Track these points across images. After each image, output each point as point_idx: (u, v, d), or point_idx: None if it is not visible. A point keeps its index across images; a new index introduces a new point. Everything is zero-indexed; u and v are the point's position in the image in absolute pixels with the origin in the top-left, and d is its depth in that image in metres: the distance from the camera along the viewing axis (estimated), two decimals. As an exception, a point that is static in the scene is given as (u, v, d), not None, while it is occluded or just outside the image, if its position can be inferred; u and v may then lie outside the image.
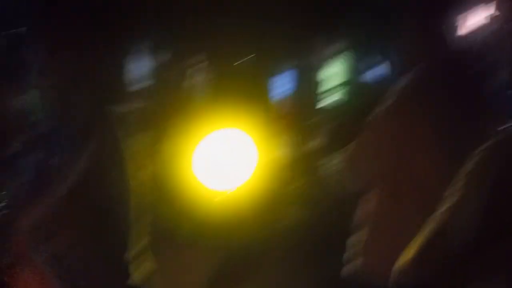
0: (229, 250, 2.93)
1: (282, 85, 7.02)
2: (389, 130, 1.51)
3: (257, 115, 2.60)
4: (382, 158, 1.56)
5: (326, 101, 6.38)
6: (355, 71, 6.49)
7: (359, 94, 6.11)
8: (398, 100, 1.52)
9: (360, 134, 1.60)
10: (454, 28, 1.68)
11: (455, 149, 1.46)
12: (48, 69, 1.13)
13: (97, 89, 1.13)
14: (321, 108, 6.30)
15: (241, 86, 2.63)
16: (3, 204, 2.70)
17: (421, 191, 1.55)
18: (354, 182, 1.70)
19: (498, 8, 1.18)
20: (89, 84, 1.12)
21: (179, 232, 3.28)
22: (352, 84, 6.31)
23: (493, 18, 1.46)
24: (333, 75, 6.49)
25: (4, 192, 2.84)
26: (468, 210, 1.06)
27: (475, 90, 1.24)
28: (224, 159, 2.42)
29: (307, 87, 6.42)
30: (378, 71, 6.40)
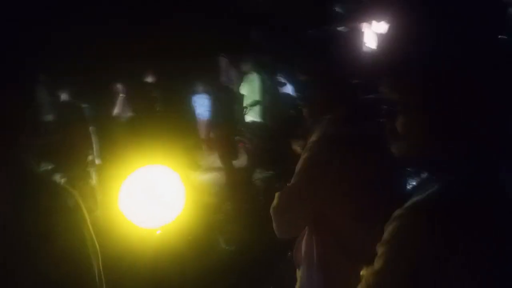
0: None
1: (198, 107, 7.12)
2: (313, 180, 1.52)
3: (180, 149, 2.59)
4: (311, 204, 1.58)
5: (242, 120, 6.59)
6: (266, 90, 6.80)
7: (272, 113, 6.41)
8: (314, 153, 1.53)
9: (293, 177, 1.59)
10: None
11: (372, 206, 1.44)
12: None
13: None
14: (238, 127, 6.50)
15: (164, 121, 2.62)
16: None
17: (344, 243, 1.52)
18: (285, 229, 1.67)
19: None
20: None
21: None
22: (264, 103, 6.61)
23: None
24: (245, 95, 6.74)
25: None
26: (391, 279, 0.97)
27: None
28: (151, 196, 2.24)
29: (222, 109, 6.58)
30: (287, 90, 6.76)
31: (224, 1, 8.39)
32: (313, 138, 1.58)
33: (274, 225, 1.57)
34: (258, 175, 5.51)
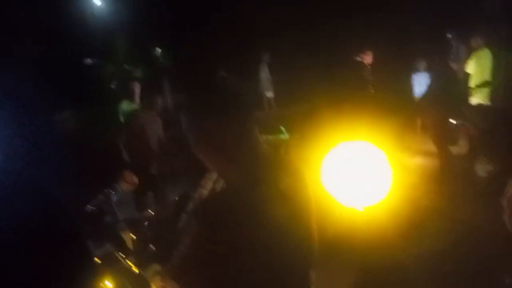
0: (364, 270, 2.82)
1: (420, 85, 6.63)
2: None
3: (389, 128, 2.40)
4: None
5: (467, 103, 5.84)
6: (499, 69, 5.81)
7: (506, 95, 5.45)
8: None
9: None
10: None
11: None
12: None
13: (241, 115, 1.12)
14: (462, 110, 5.79)
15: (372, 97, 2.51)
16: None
17: None
18: None
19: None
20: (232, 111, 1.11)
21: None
22: (496, 84, 5.67)
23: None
24: (474, 74, 5.92)
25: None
26: None
27: None
28: (356, 175, 2.12)
29: (443, 88, 5.95)
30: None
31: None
32: None
33: (506, 217, 1.36)
34: (481, 166, 4.82)
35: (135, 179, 3.60)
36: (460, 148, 5.64)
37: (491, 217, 1.45)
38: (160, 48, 11.16)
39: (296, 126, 6.20)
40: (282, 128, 7.11)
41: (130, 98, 5.33)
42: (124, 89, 5.76)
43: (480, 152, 4.80)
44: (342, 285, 3.01)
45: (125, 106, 5.41)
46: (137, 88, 5.31)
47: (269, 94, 10.50)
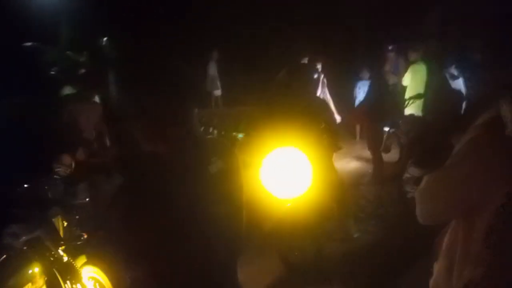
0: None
1: (358, 93, 6.97)
2: (476, 163, 1.34)
3: (310, 135, 2.81)
4: (467, 191, 1.38)
5: (401, 113, 6.22)
6: (432, 83, 6.24)
7: (435, 107, 5.87)
8: (484, 135, 1.36)
9: (448, 161, 1.44)
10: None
11: None
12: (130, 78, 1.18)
13: (181, 92, 1.18)
14: (396, 119, 6.16)
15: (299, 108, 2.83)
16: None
17: None
18: (432, 214, 1.51)
19: None
20: (172, 87, 1.17)
21: (252, 236, 3.55)
22: (428, 96, 6.08)
23: None
24: (409, 86, 6.31)
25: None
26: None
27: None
28: (285, 173, 2.60)
29: (381, 97, 6.30)
30: (454, 85, 6.11)
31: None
32: (478, 121, 1.43)
33: (417, 209, 1.48)
34: (410, 172, 5.19)
35: (70, 161, 3.52)
36: (392, 155, 6.00)
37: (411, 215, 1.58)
38: (107, 37, 10.86)
39: (241, 125, 6.34)
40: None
41: (73, 85, 5.18)
42: (66, 75, 5.57)
43: (409, 159, 5.14)
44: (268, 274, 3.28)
45: (67, 92, 5.27)
46: (82, 75, 5.18)
47: (217, 92, 10.57)
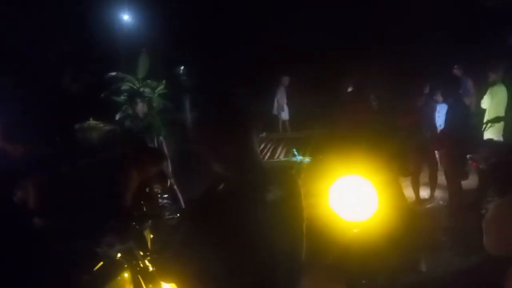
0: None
1: (438, 118, 6.66)
2: None
3: (379, 159, 2.79)
4: None
5: (479, 137, 5.85)
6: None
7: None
8: None
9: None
10: None
11: None
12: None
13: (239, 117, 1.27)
14: (474, 144, 5.80)
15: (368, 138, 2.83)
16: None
17: None
18: (500, 244, 1.39)
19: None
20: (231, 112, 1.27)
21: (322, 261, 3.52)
22: (509, 119, 5.67)
23: None
24: (488, 108, 5.94)
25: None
26: None
27: None
28: (350, 199, 2.65)
29: (462, 121, 5.97)
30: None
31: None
32: None
33: (484, 239, 1.41)
34: (489, 200, 4.84)
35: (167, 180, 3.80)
36: (470, 182, 5.65)
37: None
38: (183, 66, 11.49)
39: (307, 150, 6.35)
40: (295, 151, 7.25)
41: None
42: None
43: (488, 186, 4.81)
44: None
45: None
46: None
47: (284, 116, 10.72)
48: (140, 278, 2.53)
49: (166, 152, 5.58)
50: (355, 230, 2.82)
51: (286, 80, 10.56)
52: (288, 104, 10.69)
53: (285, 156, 8.41)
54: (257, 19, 10.59)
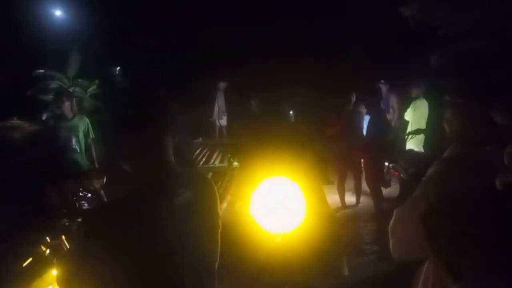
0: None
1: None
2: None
3: (303, 164, 2.73)
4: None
5: (401, 148, 6.21)
6: (434, 118, 6.27)
7: (436, 144, 5.86)
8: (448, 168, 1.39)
9: (415, 192, 1.44)
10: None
11: None
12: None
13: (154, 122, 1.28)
14: (395, 155, 6.14)
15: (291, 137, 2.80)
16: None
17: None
18: (402, 250, 1.46)
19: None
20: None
21: (243, 269, 3.51)
22: (430, 132, 6.10)
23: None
24: (410, 121, 6.33)
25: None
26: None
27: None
28: (276, 205, 2.46)
29: (381, 132, 6.30)
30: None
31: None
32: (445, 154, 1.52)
33: (390, 244, 1.45)
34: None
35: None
36: (391, 191, 5.95)
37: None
38: (119, 67, 11.14)
39: (239, 157, 6.37)
40: (230, 157, 7.25)
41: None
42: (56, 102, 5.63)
43: (407, 195, 5.09)
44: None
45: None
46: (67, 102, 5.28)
47: (222, 122, 10.68)
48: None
49: (94, 154, 5.34)
50: (278, 239, 2.64)
51: (223, 85, 10.54)
52: (227, 110, 10.69)
53: (221, 162, 8.39)
54: (193, 23, 10.53)
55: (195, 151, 8.41)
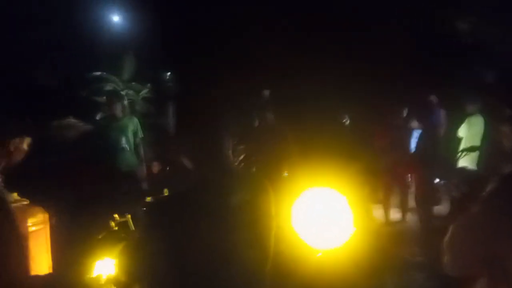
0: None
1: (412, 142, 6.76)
2: (483, 218, 1.32)
3: (352, 176, 2.59)
4: (482, 244, 1.34)
5: (454, 165, 5.96)
6: (489, 137, 5.96)
7: (490, 163, 5.57)
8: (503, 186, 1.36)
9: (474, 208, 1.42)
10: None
11: None
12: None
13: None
14: (447, 171, 5.91)
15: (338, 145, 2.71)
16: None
17: None
18: (458, 266, 1.44)
19: None
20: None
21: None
22: (484, 150, 5.80)
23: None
24: (464, 138, 6.06)
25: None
26: None
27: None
28: (321, 218, 2.31)
29: (433, 147, 6.08)
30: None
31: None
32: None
33: (445, 261, 1.45)
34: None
35: None
36: (442, 208, 5.74)
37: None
38: (169, 71, 11.46)
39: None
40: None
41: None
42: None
43: (458, 213, 4.88)
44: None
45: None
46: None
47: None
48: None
49: (143, 153, 5.58)
50: (319, 254, 2.46)
51: (266, 92, 10.51)
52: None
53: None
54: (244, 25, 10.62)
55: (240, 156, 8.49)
